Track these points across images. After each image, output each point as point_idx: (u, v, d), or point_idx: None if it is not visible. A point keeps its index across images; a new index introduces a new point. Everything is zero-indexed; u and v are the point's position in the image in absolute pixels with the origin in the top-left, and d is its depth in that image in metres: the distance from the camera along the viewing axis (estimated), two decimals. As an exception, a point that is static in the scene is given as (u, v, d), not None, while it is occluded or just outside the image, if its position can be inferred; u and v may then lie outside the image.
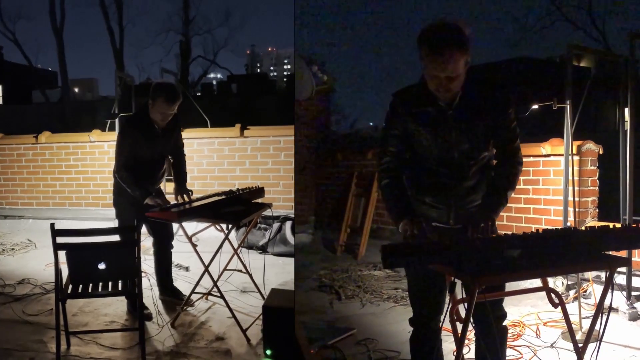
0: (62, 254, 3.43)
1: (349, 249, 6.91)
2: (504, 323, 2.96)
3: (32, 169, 8.68)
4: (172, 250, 4.85)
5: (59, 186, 8.55)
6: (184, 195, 4.63)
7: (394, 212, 2.71)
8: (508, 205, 5.64)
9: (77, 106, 27.53)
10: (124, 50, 30.05)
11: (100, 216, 7.97)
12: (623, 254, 3.73)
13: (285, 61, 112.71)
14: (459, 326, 2.43)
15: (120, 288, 3.60)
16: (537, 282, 2.77)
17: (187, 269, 5.79)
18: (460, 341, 2.40)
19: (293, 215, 7.00)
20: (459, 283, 2.38)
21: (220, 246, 4.30)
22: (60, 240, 3.38)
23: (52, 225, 3.37)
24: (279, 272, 5.81)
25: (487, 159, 2.83)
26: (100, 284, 3.59)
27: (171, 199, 4.68)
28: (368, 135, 14.05)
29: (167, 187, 6.35)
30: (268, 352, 3.76)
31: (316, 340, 3.87)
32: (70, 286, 3.53)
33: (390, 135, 2.79)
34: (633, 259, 4.35)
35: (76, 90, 36.52)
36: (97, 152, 8.29)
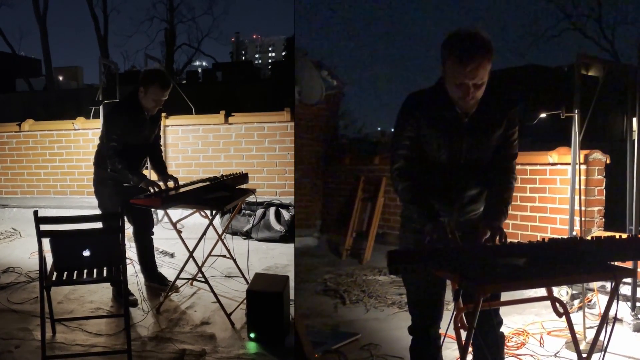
0: (46, 242, 3.42)
1: (354, 253, 6.93)
2: (501, 329, 2.97)
3: (15, 157, 8.62)
4: (153, 237, 4.86)
5: (44, 174, 8.51)
6: (171, 181, 4.61)
7: (421, 216, 2.66)
8: (514, 213, 5.81)
9: (61, 94, 27.25)
10: (108, 38, 29.76)
11: (85, 204, 7.96)
12: (629, 264, 3.75)
13: (270, 48, 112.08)
14: (463, 333, 2.41)
15: (105, 275, 3.61)
16: (541, 291, 2.74)
17: (172, 255, 5.81)
18: (464, 349, 2.39)
19: (277, 202, 7.03)
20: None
21: (205, 232, 4.33)
22: (44, 227, 3.37)
23: (36, 212, 3.36)
24: (262, 257, 5.87)
25: (489, 169, 2.81)
26: (85, 271, 3.59)
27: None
28: (376, 140, 14.02)
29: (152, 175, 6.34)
30: (252, 335, 3.81)
31: (320, 344, 3.87)
32: (55, 274, 3.53)
33: (403, 137, 2.74)
34: (638, 269, 4.28)
35: (60, 78, 36.08)
36: (81, 140, 8.25)
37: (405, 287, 3.03)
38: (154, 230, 4.89)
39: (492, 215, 2.71)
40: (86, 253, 3.51)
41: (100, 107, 7.33)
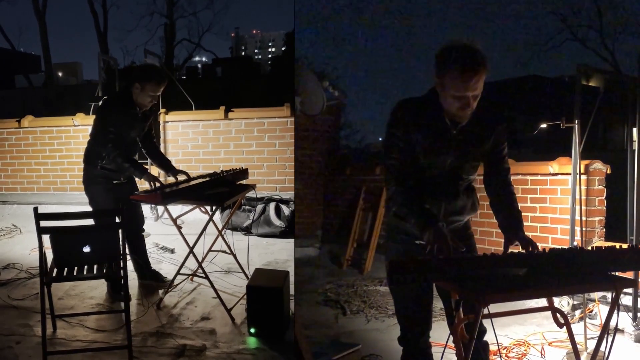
0: (46, 238, 3.41)
1: (355, 263, 6.92)
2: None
3: (15, 154, 8.62)
4: (151, 234, 4.83)
5: (43, 171, 8.51)
6: (183, 175, 4.59)
7: (418, 222, 2.61)
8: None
9: (61, 90, 27.26)
10: (107, 34, 29.74)
11: (85, 201, 7.92)
12: (629, 274, 3.71)
13: (270, 44, 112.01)
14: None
15: (105, 271, 3.60)
16: (542, 302, 2.74)
17: (172, 251, 5.81)
18: (465, 359, 2.38)
19: (277, 197, 7.03)
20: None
21: (205, 228, 4.33)
22: (44, 224, 3.37)
23: (36, 209, 3.36)
24: (262, 252, 5.87)
25: (473, 180, 2.85)
26: (85, 267, 3.58)
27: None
28: (377, 151, 13.97)
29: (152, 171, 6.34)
30: (252, 330, 3.82)
31: (321, 354, 3.83)
32: (55, 270, 3.53)
33: (393, 144, 2.72)
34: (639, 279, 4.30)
35: (60, 74, 36.05)
36: (81, 136, 8.23)
37: (393, 297, 3.01)
38: (153, 227, 4.88)
39: (515, 226, 2.72)
40: (86, 249, 3.51)
41: (100, 104, 7.32)
